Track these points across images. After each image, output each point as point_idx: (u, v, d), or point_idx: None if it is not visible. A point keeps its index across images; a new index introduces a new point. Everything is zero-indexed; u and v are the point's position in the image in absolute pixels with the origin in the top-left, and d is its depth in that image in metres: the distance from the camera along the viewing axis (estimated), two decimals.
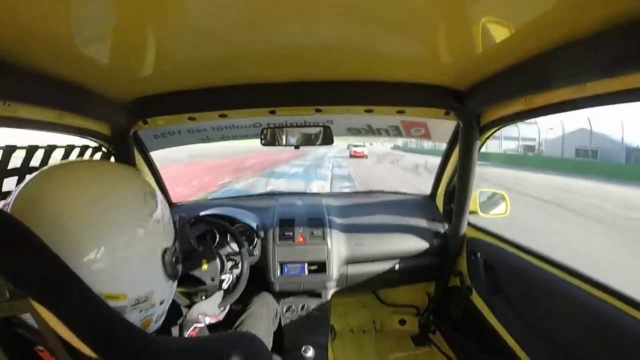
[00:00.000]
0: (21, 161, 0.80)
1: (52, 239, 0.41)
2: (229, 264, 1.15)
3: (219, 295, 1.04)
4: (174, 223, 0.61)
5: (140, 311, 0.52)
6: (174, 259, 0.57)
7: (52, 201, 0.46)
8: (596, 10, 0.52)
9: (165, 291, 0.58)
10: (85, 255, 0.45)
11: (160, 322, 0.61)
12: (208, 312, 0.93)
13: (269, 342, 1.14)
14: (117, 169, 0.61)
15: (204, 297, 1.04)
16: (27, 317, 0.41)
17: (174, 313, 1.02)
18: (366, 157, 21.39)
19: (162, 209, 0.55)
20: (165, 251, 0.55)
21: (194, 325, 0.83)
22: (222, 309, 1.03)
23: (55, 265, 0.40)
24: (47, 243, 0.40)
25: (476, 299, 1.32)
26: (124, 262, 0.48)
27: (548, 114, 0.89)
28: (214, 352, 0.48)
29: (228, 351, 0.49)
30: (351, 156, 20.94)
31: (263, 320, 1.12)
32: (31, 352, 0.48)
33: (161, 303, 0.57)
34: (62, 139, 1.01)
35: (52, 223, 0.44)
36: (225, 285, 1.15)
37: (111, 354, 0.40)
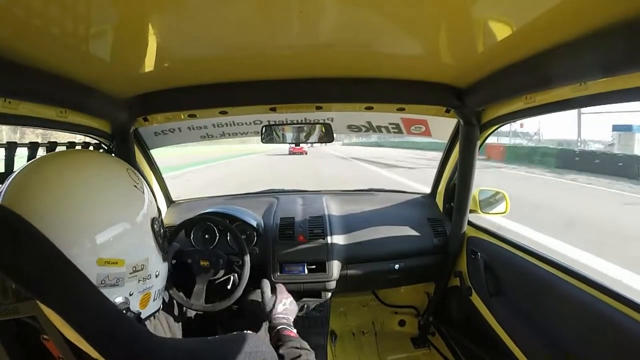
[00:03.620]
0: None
1: (48, 223, 0.44)
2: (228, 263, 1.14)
3: None
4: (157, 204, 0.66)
5: (139, 281, 0.57)
6: (162, 230, 0.63)
7: (47, 188, 0.50)
8: (597, 10, 0.51)
9: (159, 264, 0.62)
10: (86, 228, 0.49)
11: (159, 303, 0.64)
12: None
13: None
14: (98, 153, 0.71)
15: None
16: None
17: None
18: (306, 153, 22.61)
19: (144, 184, 0.62)
20: (153, 220, 0.60)
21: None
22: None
23: (59, 262, 0.40)
24: (45, 228, 0.41)
25: (476, 300, 1.31)
26: (120, 229, 0.54)
27: (548, 112, 0.89)
28: (221, 353, 0.48)
29: (234, 352, 0.48)
30: (291, 153, 22.07)
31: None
32: (37, 341, 0.48)
33: (157, 276, 0.61)
34: (63, 137, 1.01)
35: (48, 208, 0.48)
36: (229, 286, 1.14)
37: (117, 356, 0.40)
